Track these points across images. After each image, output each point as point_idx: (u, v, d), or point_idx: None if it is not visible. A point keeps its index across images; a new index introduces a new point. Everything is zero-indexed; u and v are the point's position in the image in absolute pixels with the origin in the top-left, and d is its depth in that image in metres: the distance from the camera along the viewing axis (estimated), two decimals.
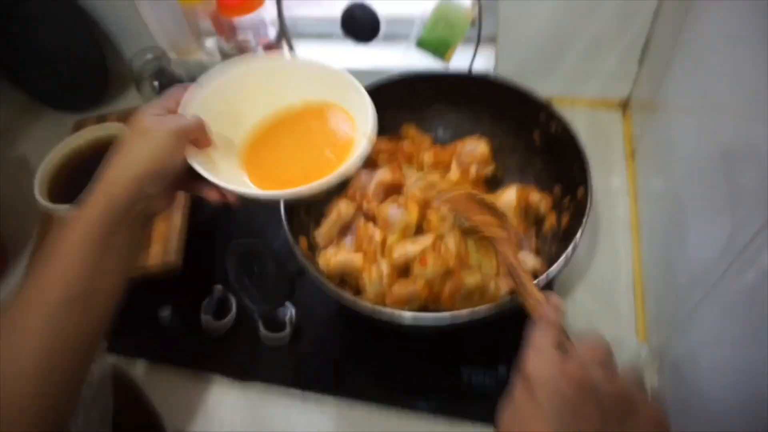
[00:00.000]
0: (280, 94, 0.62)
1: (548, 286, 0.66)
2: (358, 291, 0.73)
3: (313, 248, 0.76)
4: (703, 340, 0.55)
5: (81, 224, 0.46)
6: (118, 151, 0.49)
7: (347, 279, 0.74)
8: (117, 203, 0.47)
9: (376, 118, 0.58)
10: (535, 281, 0.60)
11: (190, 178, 0.51)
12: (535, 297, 0.50)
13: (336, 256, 0.71)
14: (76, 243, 0.45)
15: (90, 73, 1.15)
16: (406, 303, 0.68)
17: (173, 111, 0.53)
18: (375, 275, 0.69)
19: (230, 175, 0.56)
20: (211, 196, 0.54)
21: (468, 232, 0.71)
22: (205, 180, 0.51)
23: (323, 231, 0.76)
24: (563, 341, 0.40)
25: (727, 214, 0.51)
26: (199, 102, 0.55)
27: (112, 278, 0.48)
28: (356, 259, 0.72)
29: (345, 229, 0.78)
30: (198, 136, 0.52)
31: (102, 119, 0.99)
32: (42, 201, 0.81)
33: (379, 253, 0.72)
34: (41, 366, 0.42)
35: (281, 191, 0.55)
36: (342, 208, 0.76)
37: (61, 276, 0.44)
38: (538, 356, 0.38)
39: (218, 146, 0.55)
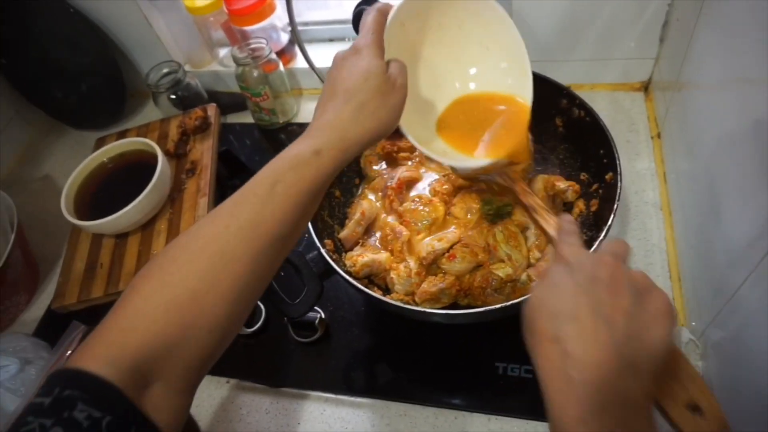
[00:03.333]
0: (465, 43, 0.62)
1: None
2: (386, 289, 0.72)
3: (338, 250, 0.76)
4: (749, 322, 0.53)
5: (312, 173, 0.46)
6: (358, 107, 0.48)
7: (375, 278, 0.73)
8: (348, 160, 0.48)
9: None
10: None
11: None
12: (551, 225, 0.58)
13: (362, 256, 0.71)
14: (301, 190, 0.46)
15: (108, 90, 1.17)
16: (436, 300, 0.68)
17: (382, 48, 0.52)
18: (404, 273, 0.69)
19: (416, 129, 0.57)
20: (386, 146, 0.57)
21: (496, 221, 0.70)
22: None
23: (348, 231, 0.76)
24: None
25: (764, 190, 0.49)
26: (393, 43, 0.53)
27: (306, 222, 0.50)
28: (383, 257, 0.71)
29: (369, 228, 0.77)
30: None
31: (122, 135, 1.00)
32: (69, 217, 0.82)
33: (406, 250, 0.71)
34: (237, 292, 0.43)
35: (475, 161, 0.61)
36: (366, 207, 0.76)
37: (279, 217, 0.45)
38: (575, 249, 0.44)
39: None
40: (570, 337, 0.38)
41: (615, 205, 0.63)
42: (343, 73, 0.50)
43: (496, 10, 0.60)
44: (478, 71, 0.65)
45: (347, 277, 0.65)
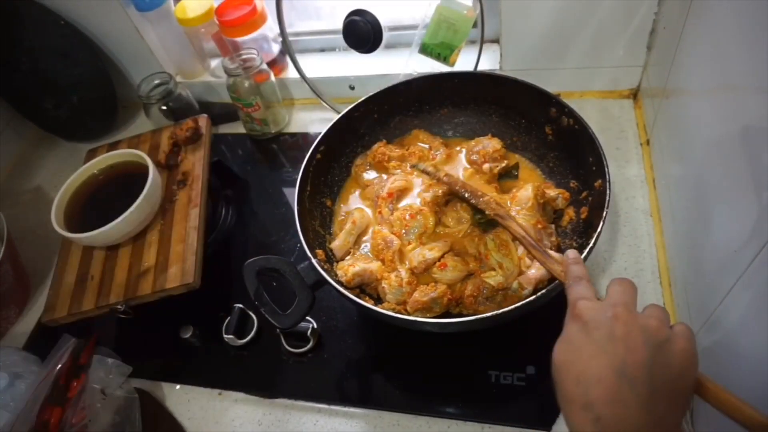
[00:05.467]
0: None
1: None
2: (378, 299, 0.72)
3: (330, 260, 0.76)
4: (738, 328, 0.53)
5: None
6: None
7: (366, 288, 0.73)
8: None
9: None
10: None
11: None
12: (556, 262, 0.58)
13: (354, 266, 0.71)
14: None
15: (99, 102, 1.17)
16: (428, 309, 0.68)
17: None
18: (395, 283, 0.69)
19: None
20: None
21: (487, 229, 0.70)
22: None
23: (339, 241, 0.76)
24: (595, 291, 0.48)
25: (752, 195, 0.49)
26: None
27: None
28: (374, 267, 0.71)
29: (360, 237, 0.77)
30: None
31: (113, 146, 1.00)
32: (60, 230, 0.81)
33: (398, 260, 0.71)
34: None
35: None
36: (357, 217, 0.76)
37: None
38: (588, 304, 0.45)
39: None
40: (599, 402, 0.39)
41: (604, 213, 0.64)
42: None
43: None
44: None
45: (338, 287, 0.65)
